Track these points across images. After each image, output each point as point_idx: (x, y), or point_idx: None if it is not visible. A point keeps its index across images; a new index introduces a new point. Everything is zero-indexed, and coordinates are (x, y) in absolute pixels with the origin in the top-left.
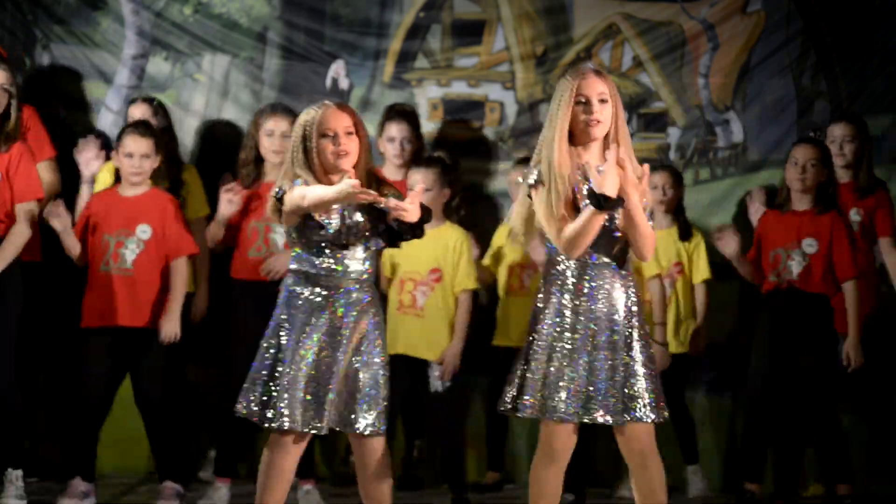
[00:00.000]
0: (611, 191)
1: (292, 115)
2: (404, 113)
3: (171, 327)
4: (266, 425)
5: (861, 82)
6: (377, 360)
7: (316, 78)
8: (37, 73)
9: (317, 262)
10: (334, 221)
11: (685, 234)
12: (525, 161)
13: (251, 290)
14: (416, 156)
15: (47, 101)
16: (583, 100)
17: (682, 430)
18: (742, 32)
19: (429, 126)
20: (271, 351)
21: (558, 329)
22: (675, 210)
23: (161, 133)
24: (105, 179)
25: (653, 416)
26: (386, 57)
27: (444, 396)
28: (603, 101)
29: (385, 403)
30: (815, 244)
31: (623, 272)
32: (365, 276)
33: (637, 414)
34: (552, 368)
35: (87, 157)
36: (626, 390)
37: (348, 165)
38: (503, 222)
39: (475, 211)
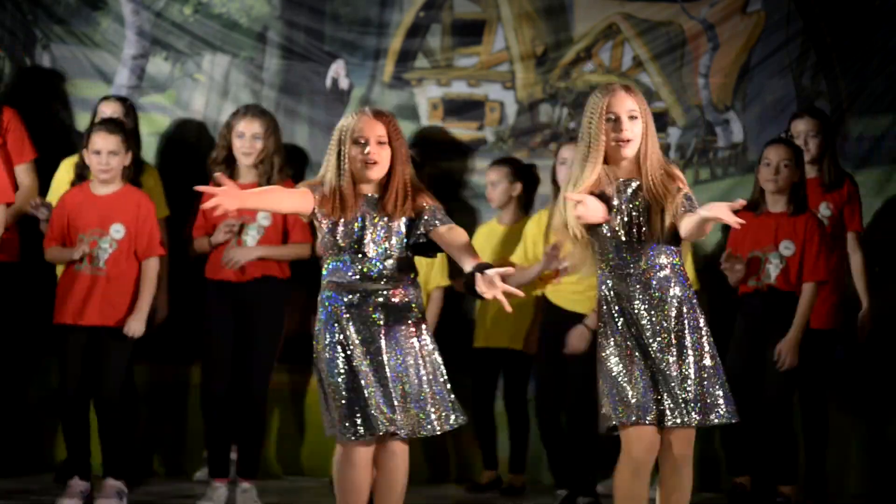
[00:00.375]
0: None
1: (266, 116)
2: None
3: (136, 325)
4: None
5: (861, 82)
6: (412, 362)
7: (316, 78)
8: (37, 73)
9: (345, 270)
10: (340, 230)
11: None
12: (502, 162)
13: (224, 290)
14: None
15: (47, 102)
16: (612, 117)
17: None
18: (742, 32)
19: (428, 126)
20: (320, 366)
21: (619, 343)
22: None
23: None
24: (64, 178)
25: (695, 420)
26: (386, 56)
27: None
28: (633, 117)
29: (418, 407)
30: (792, 246)
31: (664, 276)
32: (396, 280)
33: (680, 418)
34: (613, 376)
35: (35, 209)
36: (676, 393)
37: (376, 175)
38: (481, 224)
39: (472, 209)
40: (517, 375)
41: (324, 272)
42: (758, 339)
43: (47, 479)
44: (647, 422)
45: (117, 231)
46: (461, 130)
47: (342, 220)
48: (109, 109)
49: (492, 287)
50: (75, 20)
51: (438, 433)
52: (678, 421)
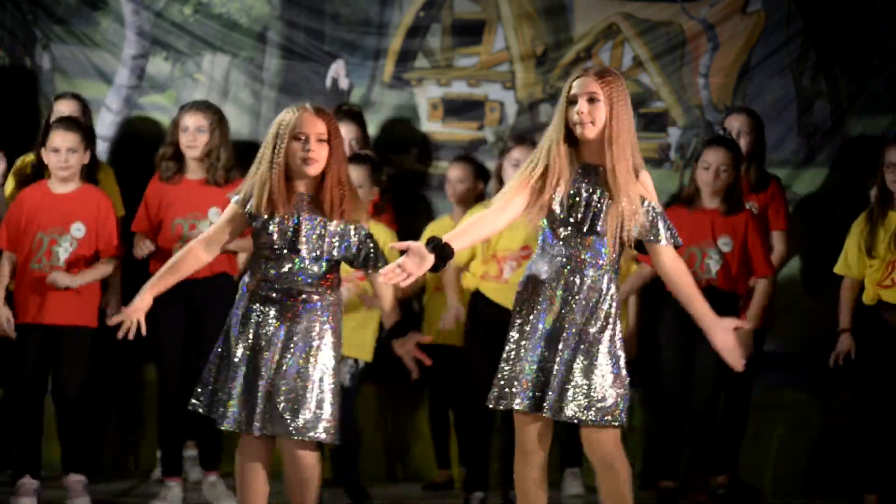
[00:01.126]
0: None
1: (210, 110)
2: (352, 114)
3: (62, 278)
4: (218, 426)
5: (861, 82)
6: (318, 365)
7: (316, 78)
8: (37, 73)
9: (274, 266)
10: (274, 227)
11: None
12: (467, 160)
13: (173, 289)
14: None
15: (46, 101)
16: (573, 99)
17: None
18: (742, 32)
19: (428, 126)
20: (219, 350)
21: (526, 325)
22: None
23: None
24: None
25: (610, 419)
26: (386, 56)
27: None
28: (593, 100)
29: (317, 411)
30: (731, 242)
31: (598, 271)
32: (318, 281)
33: (595, 416)
34: (516, 362)
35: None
36: (588, 390)
37: (314, 172)
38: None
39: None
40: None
41: (250, 261)
42: (691, 335)
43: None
44: (523, 409)
45: (78, 230)
46: (461, 130)
47: (274, 217)
48: (66, 108)
49: (407, 354)
50: (75, 20)
51: (302, 438)
52: (576, 416)
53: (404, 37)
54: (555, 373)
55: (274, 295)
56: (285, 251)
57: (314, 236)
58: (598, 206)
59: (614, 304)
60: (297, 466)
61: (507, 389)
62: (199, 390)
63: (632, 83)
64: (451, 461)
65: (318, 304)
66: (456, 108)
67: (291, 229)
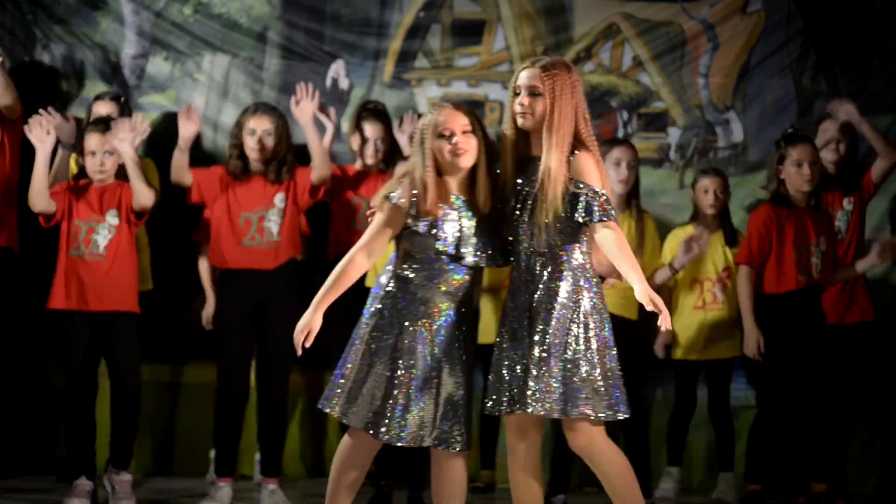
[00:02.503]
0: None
1: (275, 113)
2: (377, 112)
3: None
4: (344, 421)
5: (861, 82)
6: (457, 375)
7: (316, 78)
8: (37, 73)
9: (429, 271)
10: (442, 232)
11: (731, 240)
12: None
13: (239, 279)
14: (389, 155)
15: (47, 101)
16: (517, 91)
17: (721, 435)
18: (742, 32)
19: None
20: (356, 347)
21: (502, 324)
22: (722, 215)
23: None
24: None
25: (587, 413)
26: (386, 57)
27: None
28: (534, 94)
29: (459, 420)
30: (825, 243)
31: (567, 266)
32: (457, 289)
33: (567, 409)
34: (494, 363)
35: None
36: (562, 385)
37: (468, 163)
38: None
39: None
40: None
41: (396, 258)
42: (811, 342)
43: (48, 479)
44: (502, 411)
45: (113, 216)
46: None
47: (438, 221)
48: (104, 108)
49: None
50: (75, 20)
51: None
52: (531, 409)
53: (404, 37)
54: (520, 369)
55: (426, 305)
56: (450, 259)
57: (471, 241)
58: (535, 196)
59: (583, 293)
60: (447, 473)
61: (492, 395)
62: (333, 394)
63: (632, 83)
64: (495, 463)
65: (452, 309)
66: None
67: (454, 236)
